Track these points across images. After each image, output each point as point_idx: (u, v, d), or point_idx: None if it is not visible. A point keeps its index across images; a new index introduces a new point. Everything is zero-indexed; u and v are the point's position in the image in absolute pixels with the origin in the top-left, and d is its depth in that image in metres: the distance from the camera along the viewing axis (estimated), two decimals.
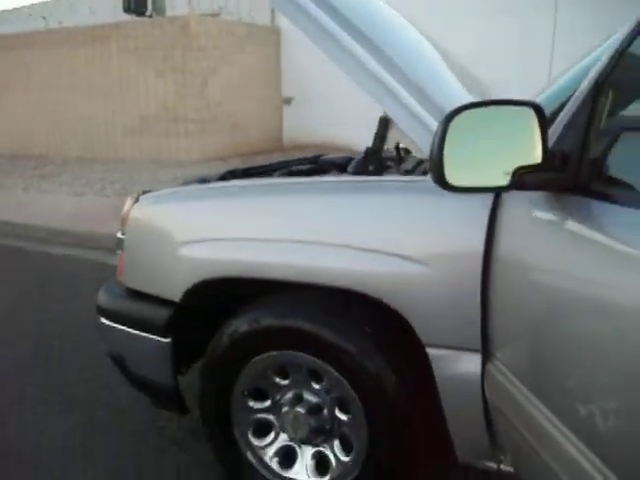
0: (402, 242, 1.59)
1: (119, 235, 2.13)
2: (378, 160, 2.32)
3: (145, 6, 10.47)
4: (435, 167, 1.19)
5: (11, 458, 2.25)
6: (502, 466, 1.64)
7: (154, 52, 10.63)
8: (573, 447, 1.19)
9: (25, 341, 3.35)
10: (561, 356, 1.26)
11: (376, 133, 2.35)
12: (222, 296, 1.93)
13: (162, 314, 1.96)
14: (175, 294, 1.93)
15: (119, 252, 2.14)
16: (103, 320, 2.16)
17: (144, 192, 2.18)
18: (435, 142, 1.19)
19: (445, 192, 1.27)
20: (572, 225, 1.25)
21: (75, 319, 3.57)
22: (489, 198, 1.49)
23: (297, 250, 1.73)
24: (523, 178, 1.20)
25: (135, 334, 2.04)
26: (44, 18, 14.79)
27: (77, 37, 11.49)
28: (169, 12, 11.54)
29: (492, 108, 1.22)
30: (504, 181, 1.20)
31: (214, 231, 1.89)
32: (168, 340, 1.96)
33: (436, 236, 1.57)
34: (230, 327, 1.84)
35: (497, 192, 1.41)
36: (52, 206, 6.88)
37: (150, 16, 10.63)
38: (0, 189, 8.37)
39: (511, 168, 1.20)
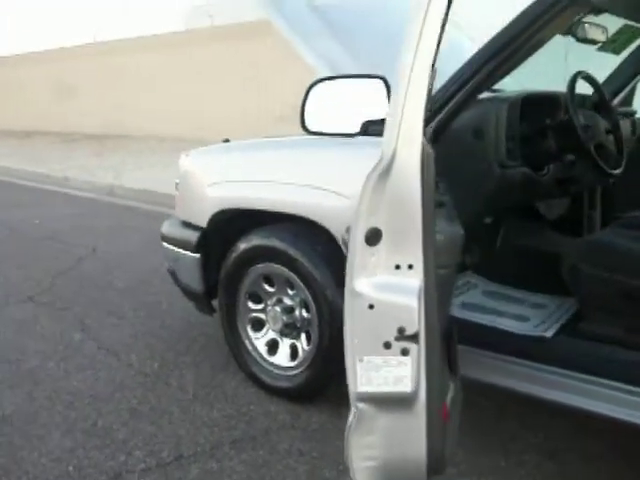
0: (335, 182, 2.19)
1: (176, 181, 2.92)
2: None
3: None
4: (301, 117, 1.79)
5: (88, 338, 3.19)
6: None
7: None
8: None
9: (128, 273, 4.38)
10: None
11: None
12: (234, 224, 2.63)
13: (195, 236, 2.71)
14: (203, 221, 2.67)
15: (176, 193, 2.94)
16: (163, 244, 2.97)
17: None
18: (302, 102, 1.79)
19: (365, 147, 1.85)
20: None
21: None
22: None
23: (272, 188, 2.40)
24: (369, 127, 1.75)
25: (180, 252, 2.81)
26: (210, 16, 16.44)
27: (237, 33, 12.84)
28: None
29: (348, 80, 1.78)
30: (354, 130, 1.76)
31: (225, 176, 2.61)
32: (198, 255, 2.71)
33: (356, 177, 2.13)
34: (236, 246, 2.54)
35: (348, 137, 1.93)
36: None
37: None
38: (146, 166, 9.97)
39: (361, 121, 1.76)
